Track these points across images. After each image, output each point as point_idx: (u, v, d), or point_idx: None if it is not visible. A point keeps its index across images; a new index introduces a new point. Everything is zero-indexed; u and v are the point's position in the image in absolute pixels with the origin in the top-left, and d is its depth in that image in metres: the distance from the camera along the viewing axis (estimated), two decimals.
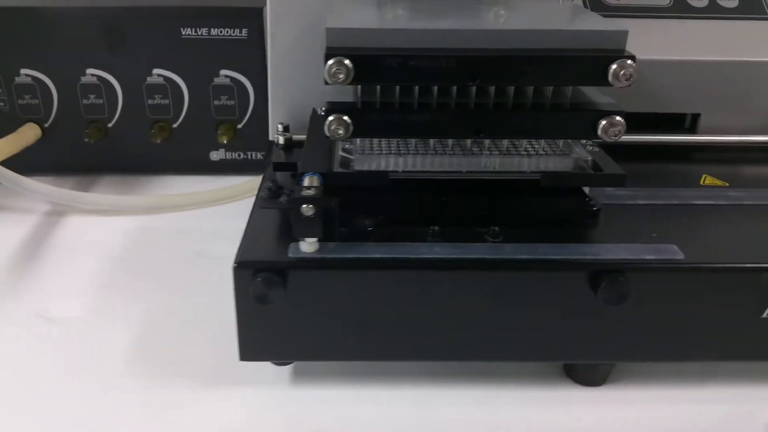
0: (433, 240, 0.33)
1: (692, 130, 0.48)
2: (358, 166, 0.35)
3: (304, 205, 0.30)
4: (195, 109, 0.55)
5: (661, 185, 0.40)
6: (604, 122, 0.32)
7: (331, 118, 0.31)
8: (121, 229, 0.50)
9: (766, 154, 0.47)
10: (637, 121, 0.46)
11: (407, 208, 0.35)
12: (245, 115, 0.56)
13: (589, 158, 0.35)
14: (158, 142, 0.56)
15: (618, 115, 0.32)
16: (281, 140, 0.41)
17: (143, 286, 0.43)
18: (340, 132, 0.31)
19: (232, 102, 0.55)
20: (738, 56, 0.46)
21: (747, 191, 0.40)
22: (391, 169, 0.35)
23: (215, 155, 0.58)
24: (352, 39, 0.31)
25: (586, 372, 0.36)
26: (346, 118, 0.31)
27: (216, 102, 0.55)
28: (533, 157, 0.35)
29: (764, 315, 0.32)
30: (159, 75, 0.54)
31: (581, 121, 0.32)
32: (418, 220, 0.34)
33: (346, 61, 0.30)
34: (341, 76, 0.30)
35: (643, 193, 0.39)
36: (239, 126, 0.57)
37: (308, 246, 0.31)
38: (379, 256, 0.32)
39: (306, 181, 0.32)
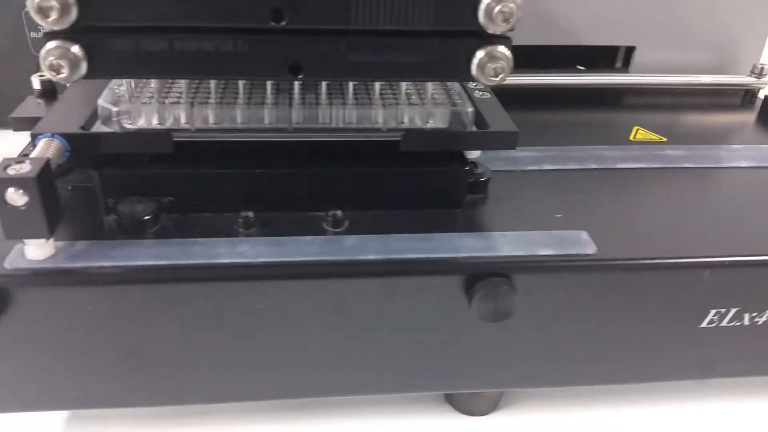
0: (246, 232, 0.23)
1: (624, 69, 0.40)
2: (128, 123, 0.23)
3: (11, 190, 0.19)
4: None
5: (578, 142, 0.31)
6: (481, 55, 0.21)
7: (49, 46, 0.20)
8: None
9: (713, 98, 0.38)
10: (554, 58, 0.37)
11: (206, 186, 0.24)
12: None
13: (470, 110, 0.25)
14: None
15: (501, 44, 0.21)
16: (37, 83, 0.28)
17: None
18: (64, 71, 0.20)
19: None
20: None
21: (688, 149, 0.32)
22: (179, 126, 0.23)
23: None
24: None
25: (469, 400, 0.27)
26: (75, 48, 0.20)
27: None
28: (391, 109, 0.24)
29: (704, 324, 0.25)
30: None
31: (448, 53, 0.21)
32: (222, 203, 0.24)
33: None
34: (53, 14, 0.18)
35: (551, 155, 0.30)
36: None
37: (36, 250, 0.21)
38: (152, 262, 0.21)
39: (38, 148, 0.21)
